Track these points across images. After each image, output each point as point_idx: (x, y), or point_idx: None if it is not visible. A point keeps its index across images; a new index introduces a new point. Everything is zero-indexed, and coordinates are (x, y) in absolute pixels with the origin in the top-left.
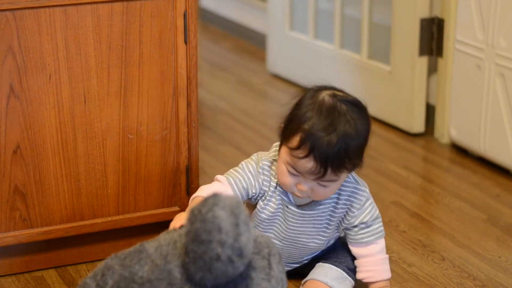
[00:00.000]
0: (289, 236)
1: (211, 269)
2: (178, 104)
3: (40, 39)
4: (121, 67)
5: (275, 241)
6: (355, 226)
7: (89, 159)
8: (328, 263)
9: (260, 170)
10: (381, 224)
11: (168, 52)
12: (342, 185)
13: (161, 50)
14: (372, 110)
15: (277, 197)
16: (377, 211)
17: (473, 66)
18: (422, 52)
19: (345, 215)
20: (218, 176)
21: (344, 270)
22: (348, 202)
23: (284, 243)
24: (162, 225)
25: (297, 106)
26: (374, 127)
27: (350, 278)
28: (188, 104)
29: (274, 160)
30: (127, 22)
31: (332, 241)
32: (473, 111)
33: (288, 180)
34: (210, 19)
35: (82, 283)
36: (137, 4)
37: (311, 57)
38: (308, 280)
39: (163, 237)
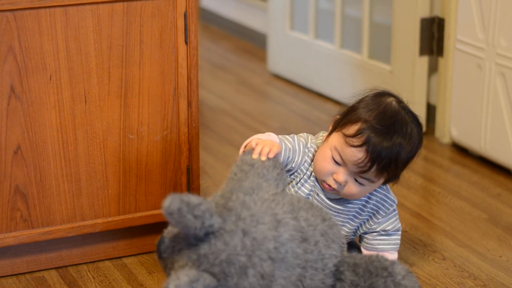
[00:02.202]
0: None
1: None
2: (179, 104)
3: (40, 40)
4: (122, 67)
5: None
6: (375, 232)
7: (89, 159)
8: None
9: (306, 150)
10: (399, 237)
11: (168, 52)
12: (374, 190)
13: (161, 50)
14: None
15: (311, 183)
16: (400, 224)
17: (473, 65)
18: (422, 52)
19: (368, 220)
20: (272, 134)
21: None
22: (375, 208)
23: None
24: (163, 225)
25: (360, 101)
26: None
27: None
28: (189, 104)
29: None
30: (128, 22)
31: None
32: (473, 110)
33: (328, 166)
34: (210, 19)
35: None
36: (137, 4)
37: (311, 57)
38: None
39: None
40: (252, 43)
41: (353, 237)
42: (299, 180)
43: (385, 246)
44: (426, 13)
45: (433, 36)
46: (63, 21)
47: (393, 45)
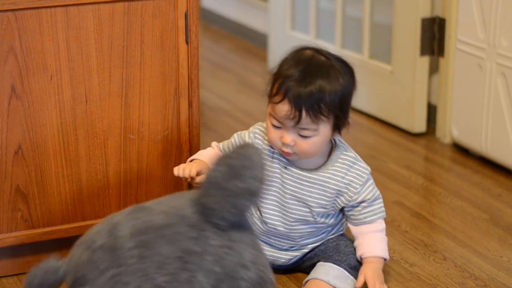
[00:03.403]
0: (286, 202)
1: (238, 205)
2: (180, 104)
3: (41, 40)
4: (123, 67)
5: (272, 212)
6: (358, 205)
7: (90, 159)
8: (329, 262)
9: (252, 135)
10: (382, 204)
11: (169, 52)
12: (341, 158)
13: (162, 50)
14: (374, 110)
15: (276, 161)
16: (378, 192)
17: (474, 65)
18: (423, 52)
19: (346, 192)
20: (213, 143)
21: (345, 269)
22: (350, 177)
23: (281, 213)
24: None
25: (281, 62)
26: (375, 127)
27: (352, 277)
28: (190, 104)
29: None
30: (128, 22)
31: (332, 231)
32: (474, 110)
33: (273, 134)
34: (211, 19)
35: (88, 238)
36: (138, 4)
37: None
38: (310, 279)
39: (155, 201)
40: (252, 43)
41: (333, 211)
42: None
43: (372, 217)
44: (427, 13)
45: (434, 36)
46: (64, 21)
47: (393, 45)
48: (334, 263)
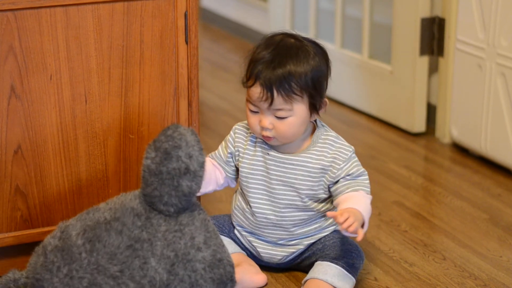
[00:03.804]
0: (273, 188)
1: (179, 186)
2: (179, 104)
3: (41, 39)
4: (122, 67)
5: (261, 200)
6: (341, 179)
7: (90, 159)
8: (327, 260)
9: (232, 133)
10: (368, 180)
11: (169, 52)
12: (322, 138)
13: (162, 50)
14: (373, 110)
15: (259, 149)
16: (363, 169)
17: (474, 65)
18: (423, 52)
19: (330, 169)
20: (208, 155)
21: (343, 267)
22: (333, 155)
23: (270, 201)
24: None
25: (253, 49)
26: (375, 127)
27: (350, 275)
28: (189, 104)
29: None
30: (128, 22)
31: (327, 222)
32: (474, 110)
33: (251, 119)
34: (211, 19)
35: (42, 245)
36: (138, 4)
37: None
38: (308, 279)
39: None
40: (252, 43)
41: (323, 194)
42: (243, 156)
43: (356, 187)
44: (426, 13)
45: (433, 36)
46: (63, 21)
47: (393, 45)
48: (331, 262)
